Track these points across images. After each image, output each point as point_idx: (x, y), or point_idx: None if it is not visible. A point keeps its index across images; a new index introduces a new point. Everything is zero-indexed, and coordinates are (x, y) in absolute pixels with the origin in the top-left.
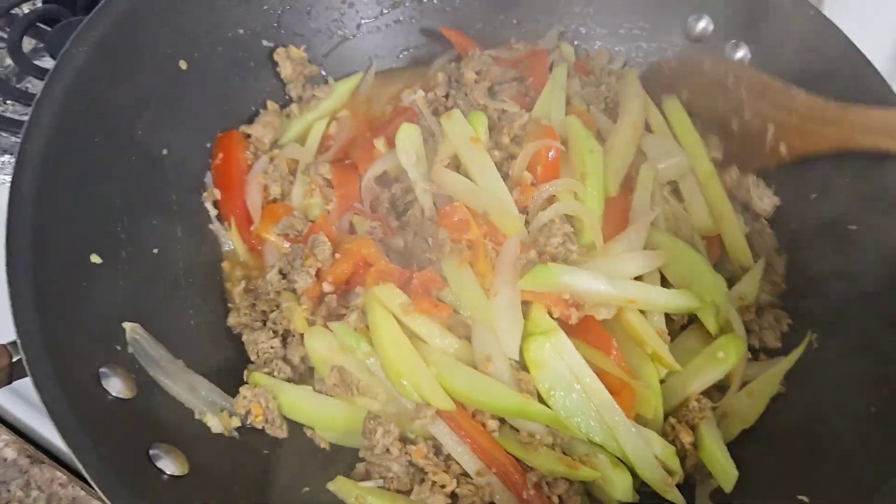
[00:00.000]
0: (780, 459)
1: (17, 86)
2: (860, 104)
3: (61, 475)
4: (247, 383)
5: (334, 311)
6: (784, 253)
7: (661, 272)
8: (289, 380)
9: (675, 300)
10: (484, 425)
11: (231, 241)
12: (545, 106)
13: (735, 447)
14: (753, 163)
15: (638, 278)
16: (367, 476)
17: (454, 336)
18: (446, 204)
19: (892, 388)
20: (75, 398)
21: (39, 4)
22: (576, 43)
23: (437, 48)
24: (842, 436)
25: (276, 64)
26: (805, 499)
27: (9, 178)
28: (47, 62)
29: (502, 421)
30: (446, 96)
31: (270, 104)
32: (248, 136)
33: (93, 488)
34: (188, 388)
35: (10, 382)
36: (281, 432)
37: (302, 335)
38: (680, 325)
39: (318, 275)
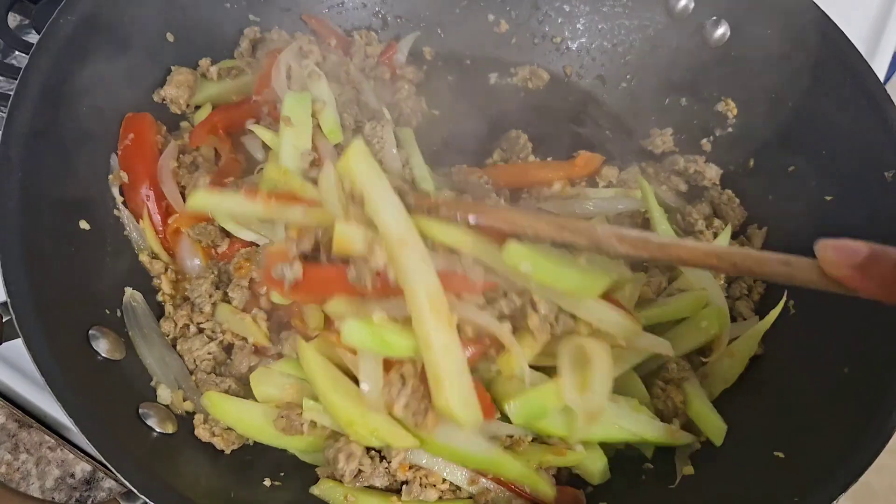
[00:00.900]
0: (758, 418)
1: (4, 61)
2: None
3: (49, 439)
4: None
5: (286, 325)
6: (763, 227)
7: None
8: (234, 394)
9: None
10: None
11: (143, 232)
12: None
13: (716, 407)
14: None
15: None
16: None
17: None
18: None
19: (863, 350)
20: (65, 358)
21: None
22: (559, 20)
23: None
24: (816, 396)
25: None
26: (781, 454)
27: None
28: (33, 38)
29: None
30: None
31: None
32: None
33: (81, 451)
34: (159, 360)
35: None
36: (227, 446)
37: (255, 345)
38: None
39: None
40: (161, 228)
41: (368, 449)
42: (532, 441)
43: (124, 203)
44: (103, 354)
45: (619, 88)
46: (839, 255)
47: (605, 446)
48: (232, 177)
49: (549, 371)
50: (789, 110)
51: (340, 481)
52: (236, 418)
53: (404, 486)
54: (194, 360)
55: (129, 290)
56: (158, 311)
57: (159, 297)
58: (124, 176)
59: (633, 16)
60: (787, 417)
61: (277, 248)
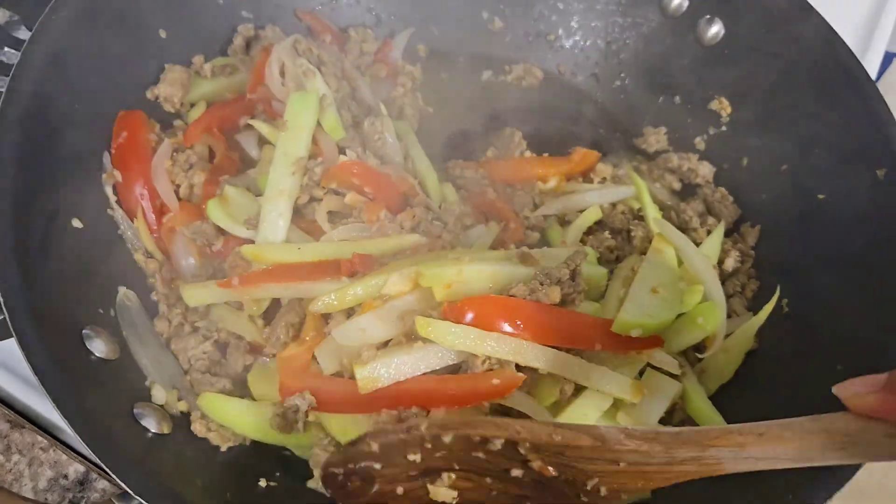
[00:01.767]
0: (750, 415)
1: None
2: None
3: (42, 440)
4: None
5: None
6: (756, 225)
7: None
8: (229, 393)
9: None
10: None
11: (137, 231)
12: None
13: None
14: None
15: None
16: None
17: None
18: None
19: (858, 349)
20: (59, 358)
21: None
22: (553, 18)
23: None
24: (809, 394)
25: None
26: None
27: None
28: (24, 34)
29: None
30: None
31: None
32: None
33: (74, 451)
34: (154, 360)
35: None
36: (223, 442)
37: (250, 344)
38: None
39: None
40: (155, 227)
41: None
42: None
43: (118, 202)
44: (97, 354)
45: (613, 87)
46: (863, 385)
47: None
48: (227, 174)
49: None
50: (782, 109)
51: None
52: (233, 418)
53: None
54: (189, 360)
55: (122, 290)
56: (154, 311)
57: (154, 297)
58: (118, 175)
59: (626, 14)
60: (780, 415)
61: (290, 354)
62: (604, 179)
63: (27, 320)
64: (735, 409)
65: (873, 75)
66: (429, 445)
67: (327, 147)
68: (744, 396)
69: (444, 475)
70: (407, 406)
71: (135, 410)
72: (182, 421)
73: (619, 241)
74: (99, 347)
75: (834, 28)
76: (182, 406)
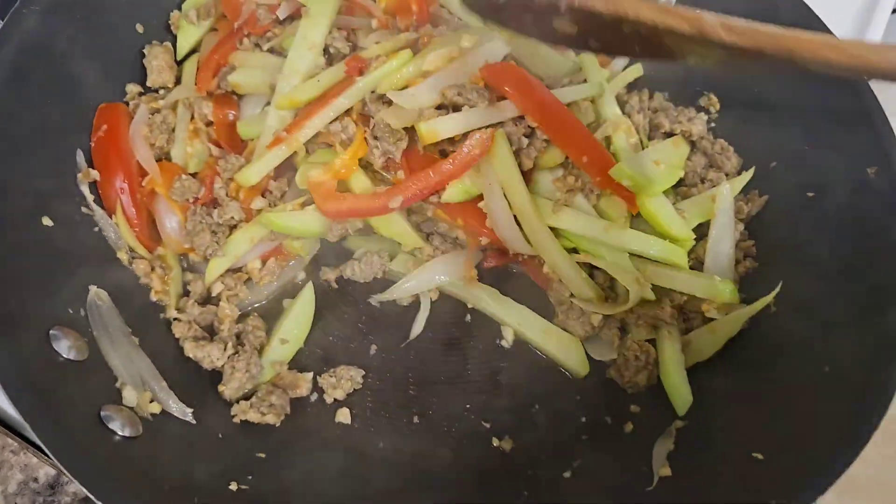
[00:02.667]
0: (736, 419)
1: None
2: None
3: (12, 442)
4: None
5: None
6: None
7: None
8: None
9: None
10: None
11: (118, 228)
12: None
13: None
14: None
15: None
16: None
17: None
18: None
19: (843, 352)
20: (22, 358)
21: None
22: None
23: None
24: (796, 396)
25: None
26: (759, 456)
27: None
28: None
29: None
30: None
31: (149, 48)
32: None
33: (45, 454)
34: (126, 359)
35: None
36: (277, 419)
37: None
38: None
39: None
40: (136, 221)
41: None
42: None
43: (96, 201)
44: (64, 355)
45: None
46: None
47: None
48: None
49: None
50: (772, 106)
51: None
52: (298, 225)
53: None
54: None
55: (93, 289)
56: (155, 311)
57: (153, 297)
58: (94, 174)
59: None
60: (767, 418)
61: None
62: None
63: None
64: (716, 413)
65: None
66: None
67: None
68: (726, 401)
69: None
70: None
71: (102, 413)
72: (152, 424)
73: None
74: (66, 348)
75: (826, 24)
76: (154, 408)
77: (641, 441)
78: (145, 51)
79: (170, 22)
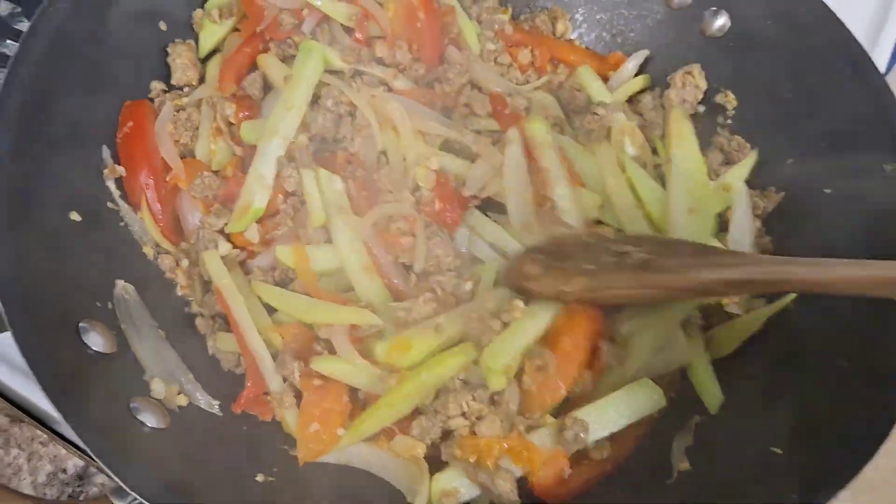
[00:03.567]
0: (755, 414)
1: None
2: None
3: (41, 434)
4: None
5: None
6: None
7: None
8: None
9: None
10: None
11: (143, 223)
12: None
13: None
14: None
15: None
16: None
17: None
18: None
19: (862, 348)
20: (55, 351)
21: None
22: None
23: None
24: (814, 393)
25: None
26: (778, 451)
27: None
28: (25, 26)
29: None
30: None
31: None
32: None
33: (73, 446)
34: (153, 352)
35: None
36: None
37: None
38: None
39: None
40: (161, 217)
41: None
42: None
43: (122, 196)
44: (94, 348)
45: None
46: None
47: None
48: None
49: None
50: (789, 102)
51: None
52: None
53: None
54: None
55: (120, 283)
56: (181, 305)
57: (179, 292)
58: (120, 170)
59: (632, 6)
60: (786, 414)
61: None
62: None
63: (23, 314)
64: (735, 408)
65: (882, 68)
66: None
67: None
68: (744, 396)
69: None
70: None
71: (132, 405)
72: (180, 416)
73: None
74: (96, 341)
75: (842, 21)
76: (181, 400)
77: (660, 436)
78: (169, 49)
79: (192, 20)
